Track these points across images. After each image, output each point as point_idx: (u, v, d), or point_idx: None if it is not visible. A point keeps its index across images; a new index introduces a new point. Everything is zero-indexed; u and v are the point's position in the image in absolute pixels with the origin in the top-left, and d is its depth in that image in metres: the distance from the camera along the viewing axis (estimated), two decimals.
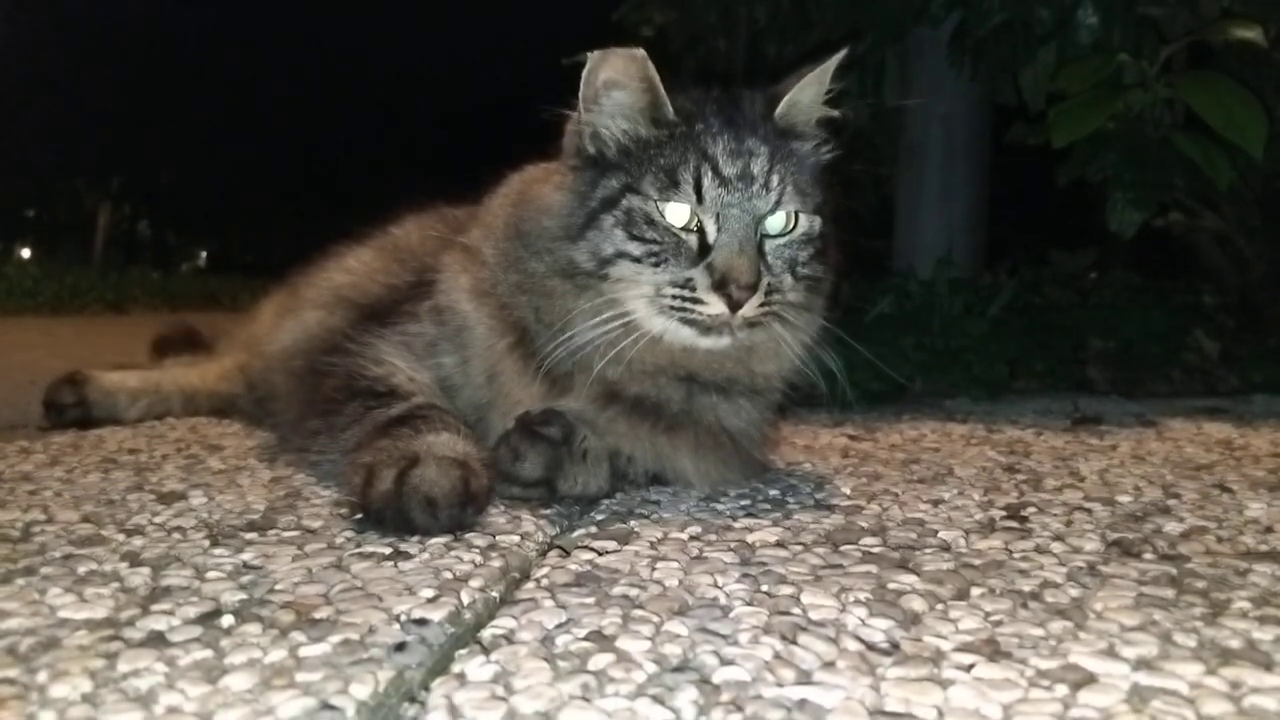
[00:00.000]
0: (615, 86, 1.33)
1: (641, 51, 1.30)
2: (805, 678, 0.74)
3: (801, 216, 1.36)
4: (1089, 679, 0.74)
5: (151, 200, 26.88)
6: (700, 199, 1.30)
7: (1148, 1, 2.76)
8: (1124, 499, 1.40)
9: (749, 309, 1.28)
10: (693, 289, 1.28)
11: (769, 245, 1.34)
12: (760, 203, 1.32)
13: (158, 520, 1.20)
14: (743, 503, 1.36)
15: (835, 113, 1.44)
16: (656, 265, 1.30)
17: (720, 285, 1.27)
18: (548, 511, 1.27)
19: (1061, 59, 2.82)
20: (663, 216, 1.30)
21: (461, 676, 0.74)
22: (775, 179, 1.33)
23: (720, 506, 1.34)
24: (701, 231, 1.30)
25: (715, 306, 1.28)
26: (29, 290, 8.81)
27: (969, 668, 0.76)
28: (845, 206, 1.53)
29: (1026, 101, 3.14)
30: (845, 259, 1.54)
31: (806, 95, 1.40)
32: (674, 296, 1.29)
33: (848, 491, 1.45)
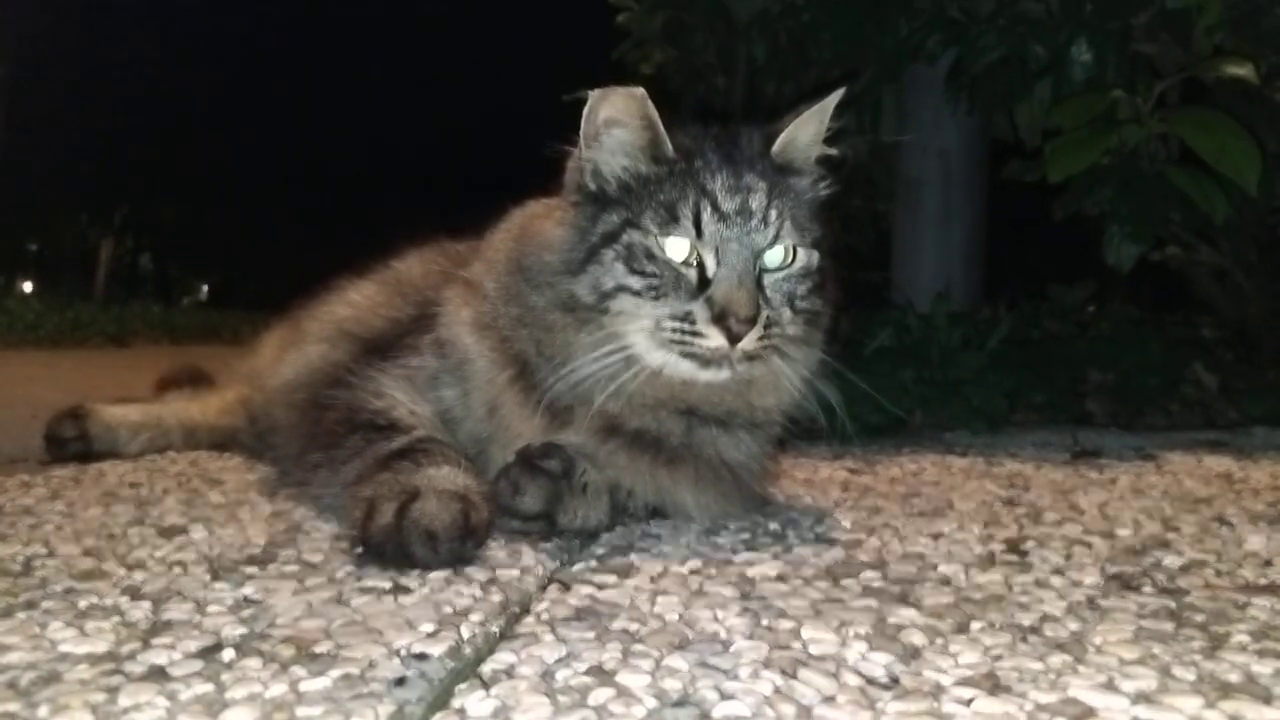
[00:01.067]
0: (616, 124, 1.35)
1: (641, 90, 1.32)
2: (806, 712, 0.74)
3: (800, 251, 1.37)
4: (1088, 712, 0.74)
5: (154, 234, 27.01)
6: (699, 233, 1.31)
7: (1141, 38, 2.80)
8: (1123, 532, 1.40)
9: (748, 342, 1.29)
10: (692, 322, 1.30)
11: (768, 279, 1.35)
12: (759, 237, 1.33)
13: (158, 554, 1.20)
14: (743, 536, 1.37)
15: (834, 151, 1.46)
16: (656, 299, 1.31)
17: (720, 318, 1.28)
18: (548, 545, 1.27)
19: (1056, 95, 2.85)
20: (662, 251, 1.32)
21: (462, 711, 0.74)
22: (773, 214, 1.34)
23: (720, 540, 1.34)
24: (701, 265, 1.32)
25: (715, 339, 1.29)
26: (31, 324, 8.83)
27: (969, 702, 0.76)
28: (844, 241, 1.54)
29: (1022, 137, 3.17)
30: (844, 293, 1.55)
31: (805, 133, 1.42)
32: (674, 330, 1.30)
33: (848, 525, 1.45)
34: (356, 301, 1.79)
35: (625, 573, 1.14)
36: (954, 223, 3.63)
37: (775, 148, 1.40)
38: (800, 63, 3.62)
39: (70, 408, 2.03)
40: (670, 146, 1.36)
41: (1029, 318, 3.34)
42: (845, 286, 1.56)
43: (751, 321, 1.29)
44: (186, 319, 12.66)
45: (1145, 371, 2.93)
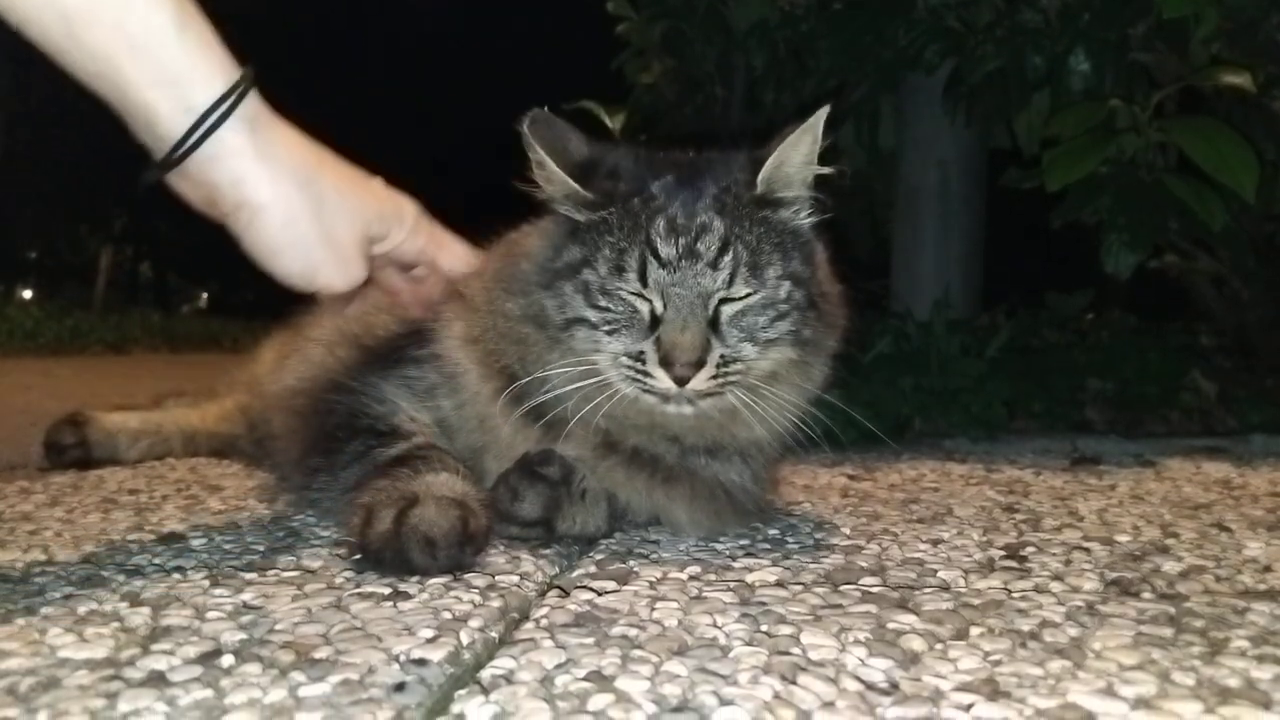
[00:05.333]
0: (542, 165, 1.32)
1: (548, 117, 1.30)
2: (805, 717, 0.74)
3: (760, 286, 1.31)
4: (1088, 718, 0.74)
5: (153, 242, 26.99)
6: (645, 282, 1.28)
7: (1139, 48, 2.81)
8: (1123, 538, 1.40)
9: (698, 383, 1.26)
10: (644, 361, 1.28)
11: (726, 312, 1.30)
12: (706, 281, 1.28)
13: (157, 560, 1.20)
14: (742, 542, 1.37)
15: (829, 170, 1.38)
16: (611, 334, 1.30)
17: (665, 361, 1.26)
18: (547, 551, 1.28)
19: (1055, 104, 2.86)
20: (616, 289, 1.30)
21: (461, 717, 0.74)
22: (728, 255, 1.28)
23: (719, 546, 1.34)
24: (653, 304, 1.29)
25: (663, 381, 1.26)
26: (30, 331, 8.84)
27: (968, 707, 0.76)
28: (843, 252, 1.50)
29: (1021, 146, 3.18)
30: (851, 311, 1.46)
31: (795, 158, 1.34)
32: (629, 366, 1.29)
33: (847, 531, 1.45)
34: (358, 309, 1.79)
35: (624, 579, 1.14)
36: (953, 231, 3.64)
37: (759, 181, 1.33)
38: (798, 72, 3.62)
39: (69, 414, 2.03)
40: (589, 194, 1.31)
41: (1028, 325, 3.34)
42: (850, 303, 1.47)
43: (698, 365, 1.25)
44: (186, 327, 12.66)
45: (1144, 379, 2.93)
